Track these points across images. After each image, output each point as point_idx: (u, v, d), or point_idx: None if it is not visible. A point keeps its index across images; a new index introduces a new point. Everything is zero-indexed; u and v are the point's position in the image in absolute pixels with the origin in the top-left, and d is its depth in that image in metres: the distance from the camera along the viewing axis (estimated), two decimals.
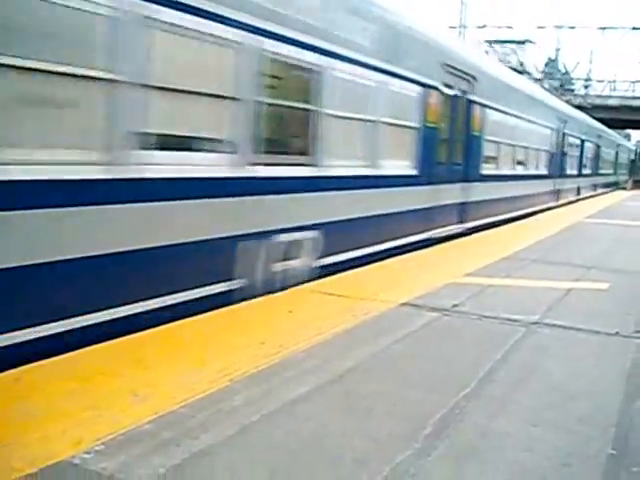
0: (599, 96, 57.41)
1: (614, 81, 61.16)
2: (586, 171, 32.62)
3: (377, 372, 4.63)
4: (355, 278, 7.90)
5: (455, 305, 6.66)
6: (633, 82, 60.29)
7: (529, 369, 4.91)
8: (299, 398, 4.07)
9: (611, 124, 50.32)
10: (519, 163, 18.54)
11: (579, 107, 42.58)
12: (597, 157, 37.19)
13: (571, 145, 26.68)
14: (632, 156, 62.03)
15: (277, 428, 3.65)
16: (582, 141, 30.00)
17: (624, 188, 49.70)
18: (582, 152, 30.27)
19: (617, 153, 53.42)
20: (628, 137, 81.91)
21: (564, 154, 25.11)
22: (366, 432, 3.66)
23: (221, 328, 5.43)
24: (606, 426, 3.96)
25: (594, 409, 4.22)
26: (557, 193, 24.51)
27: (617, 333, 6.03)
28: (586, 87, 61.40)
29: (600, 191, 38.73)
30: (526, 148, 18.86)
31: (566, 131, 25.06)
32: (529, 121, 18.85)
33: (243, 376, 4.36)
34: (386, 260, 9.24)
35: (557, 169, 23.86)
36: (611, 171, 49.27)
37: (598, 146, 37.23)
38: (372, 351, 5.06)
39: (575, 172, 28.82)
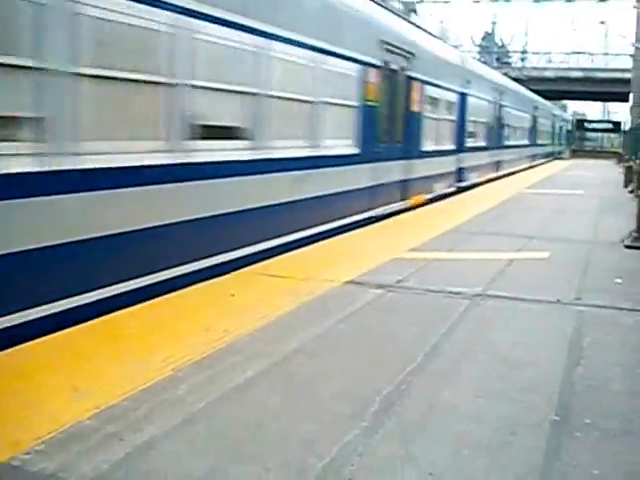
0: (535, 68, 58.25)
1: (549, 53, 62.40)
2: (524, 142, 33.26)
3: (322, 353, 4.60)
4: (299, 258, 7.85)
5: (399, 281, 6.68)
6: (568, 54, 61.51)
7: (473, 341, 4.95)
8: (244, 383, 4.01)
9: (548, 96, 51.10)
10: (512, 137, 23.38)
11: (516, 79, 43.07)
12: (534, 128, 37.81)
13: (508, 117, 27.02)
14: (569, 126, 63.12)
15: (222, 415, 3.60)
16: (519, 112, 30.57)
17: (562, 158, 50.70)
18: (519, 124, 30.91)
19: (554, 124, 54.38)
20: (564, 108, 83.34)
21: (502, 126, 25.51)
22: (313, 414, 3.63)
23: (164, 316, 5.33)
24: (549, 393, 4.00)
25: (538, 377, 4.27)
26: (497, 164, 25.02)
27: (558, 301, 6.12)
28: (523, 60, 62.27)
29: (540, 161, 39.40)
30: (466, 122, 19.03)
31: (503, 103, 25.37)
32: (468, 95, 19.04)
33: (187, 364, 4.28)
34: (331, 238, 9.20)
35: (496, 141, 24.28)
36: (549, 141, 50.11)
37: (535, 117, 37.84)
38: (317, 332, 5.03)
39: (514, 143, 29.40)
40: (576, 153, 56.66)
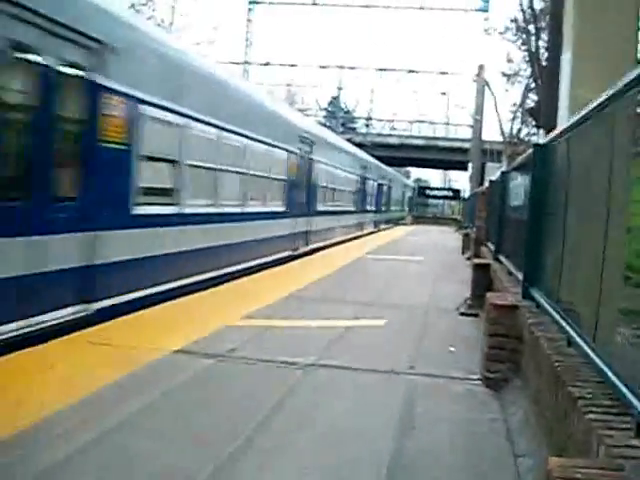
0: (380, 134, 60.76)
1: (393, 121, 65.09)
2: (382, 208, 39.21)
3: (143, 429, 4.43)
4: (131, 323, 7.60)
5: (232, 350, 6.59)
6: (411, 122, 64.58)
7: (304, 414, 4.92)
8: (55, 466, 3.78)
9: (391, 162, 53.21)
10: (341, 200, 26.56)
11: (360, 145, 44.66)
12: (389, 196, 40.81)
13: (370, 186, 34.73)
14: (411, 193, 65.84)
15: None
16: (379, 184, 37.94)
17: (405, 224, 52.65)
18: (379, 192, 37.78)
19: (404, 192, 56.89)
20: (408, 174, 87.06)
21: (365, 194, 32.98)
22: None
23: None
24: (378, 466, 4.02)
25: (368, 450, 4.29)
26: (361, 225, 32.44)
27: (392, 370, 6.23)
28: (367, 126, 64.71)
29: (382, 227, 40.88)
30: (343, 191, 26.90)
31: (367, 175, 33.13)
32: (345, 170, 27.03)
33: None
34: (166, 303, 9.02)
35: (360, 206, 31.61)
36: (399, 207, 52.25)
37: (390, 187, 40.40)
38: (139, 406, 4.84)
39: (374, 208, 36.37)
40: (418, 219, 59.04)
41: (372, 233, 33.74)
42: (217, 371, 5.94)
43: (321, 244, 21.81)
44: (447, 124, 65.06)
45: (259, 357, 6.37)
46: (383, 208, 42.72)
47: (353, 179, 30.37)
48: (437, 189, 73.30)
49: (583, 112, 4.38)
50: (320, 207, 22.41)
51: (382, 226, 40.53)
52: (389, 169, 48.30)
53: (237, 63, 49.06)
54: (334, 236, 25.00)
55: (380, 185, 40.48)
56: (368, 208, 35.45)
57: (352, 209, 30.29)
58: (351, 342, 7.39)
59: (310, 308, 9.36)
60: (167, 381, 5.48)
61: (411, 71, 47.64)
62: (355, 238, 28.45)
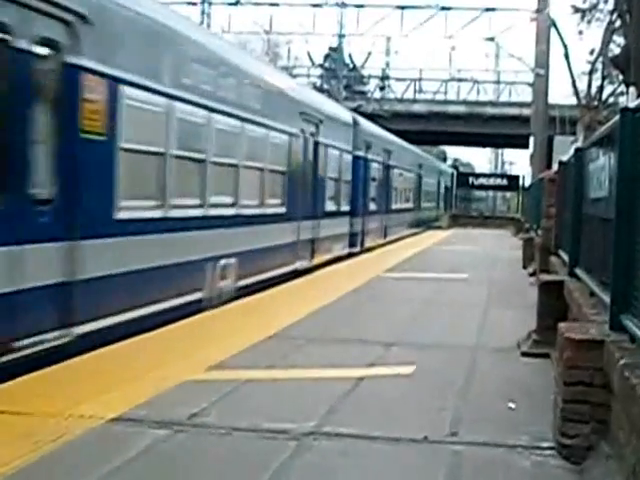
0: (401, 100, 60.83)
1: (419, 80, 64.89)
2: (411, 205, 40.72)
3: None
4: (50, 378, 7.58)
5: (194, 415, 6.56)
6: (445, 81, 64.50)
7: None
8: None
9: (418, 139, 53.30)
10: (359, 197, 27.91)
11: (374, 116, 44.69)
12: (419, 189, 42.80)
13: (397, 176, 36.30)
14: (448, 182, 65.52)
15: None
16: (407, 172, 39.94)
17: (439, 227, 52.54)
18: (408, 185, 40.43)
19: (439, 182, 56.81)
20: (444, 156, 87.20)
21: (389, 188, 34.64)
22: None
23: None
24: None
25: None
26: (381, 230, 33.02)
27: (425, 438, 6.19)
28: (382, 89, 64.78)
29: (415, 229, 41.33)
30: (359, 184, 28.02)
31: (390, 163, 34.10)
32: (368, 159, 29.45)
33: None
34: (112, 345, 9.06)
35: (382, 205, 32.90)
36: (433, 204, 52.38)
37: (420, 176, 40.87)
38: None
39: (399, 206, 37.82)
40: (458, 219, 59.01)
41: (395, 241, 33.77)
42: (174, 447, 5.91)
43: (329, 256, 22.71)
44: (497, 83, 65.25)
45: (233, 424, 6.33)
46: (411, 206, 42.80)
47: (375, 167, 31.27)
48: (485, 176, 73.43)
49: None
50: (330, 207, 23.62)
51: (408, 231, 40.58)
52: (418, 151, 48.37)
53: (193, 3, 48.95)
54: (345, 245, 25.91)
55: (410, 175, 40.69)
56: (393, 207, 35.81)
57: (372, 209, 30.90)
58: (366, 400, 7.36)
59: (307, 352, 9.34)
60: (101, 463, 5.45)
61: (444, 8, 47.36)
62: (377, 247, 29.06)
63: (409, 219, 43.00)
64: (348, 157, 26.22)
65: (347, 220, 26.33)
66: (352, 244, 26.68)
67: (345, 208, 26.02)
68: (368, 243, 29.07)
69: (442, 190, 61.45)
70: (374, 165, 31.01)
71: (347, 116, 27.48)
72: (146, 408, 6.73)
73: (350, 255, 25.13)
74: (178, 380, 7.68)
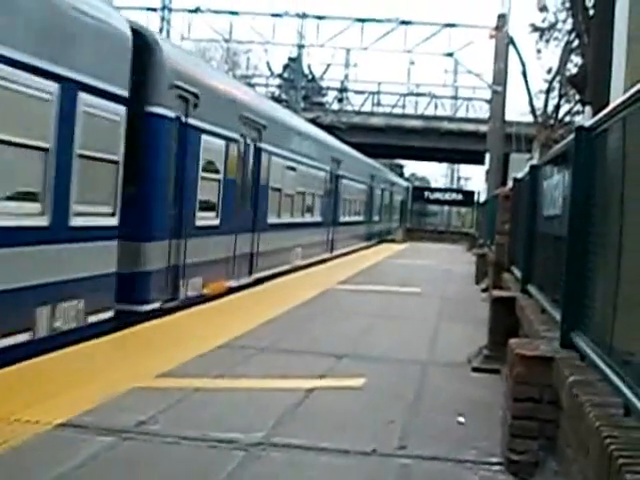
0: (359, 113, 60.94)
1: (377, 93, 65.05)
2: (363, 218, 39.71)
3: None
4: None
5: (142, 422, 6.53)
6: (403, 95, 64.67)
7: None
8: None
9: (375, 152, 53.41)
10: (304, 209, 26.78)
11: (331, 127, 44.79)
12: (371, 201, 42.63)
13: (347, 187, 35.37)
14: (403, 196, 65.71)
15: None
16: (359, 183, 39.32)
17: (393, 240, 52.66)
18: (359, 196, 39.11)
19: (391, 195, 56.81)
20: (400, 170, 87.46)
21: (337, 199, 33.52)
22: None
23: None
24: None
25: None
26: (329, 243, 32.78)
27: (374, 451, 6.20)
28: (340, 100, 64.89)
29: (366, 243, 41.23)
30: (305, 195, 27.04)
31: (341, 172, 33.61)
32: (311, 165, 27.65)
33: None
34: (58, 351, 8.99)
35: (329, 216, 31.80)
36: (386, 217, 52.39)
37: (371, 188, 40.98)
38: None
39: (350, 219, 37.24)
40: (413, 234, 59.16)
41: (346, 254, 33.74)
42: (121, 454, 5.88)
43: (273, 271, 21.69)
44: (455, 98, 65.53)
45: (181, 433, 6.31)
46: (363, 218, 42.71)
47: (321, 177, 30.50)
48: (441, 190, 73.88)
49: None
50: (271, 219, 22.32)
51: (359, 244, 40.60)
52: (373, 162, 48.33)
53: (153, 9, 48.88)
54: (291, 260, 24.97)
55: (361, 186, 40.58)
56: (342, 219, 35.54)
57: (318, 220, 30.30)
58: (315, 411, 7.36)
59: (257, 362, 9.33)
60: (46, 470, 5.41)
61: (404, 22, 47.52)
62: (321, 262, 28.59)
63: (360, 232, 42.90)
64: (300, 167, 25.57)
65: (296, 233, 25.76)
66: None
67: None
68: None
69: (397, 204, 61.68)
70: (320, 174, 30.09)
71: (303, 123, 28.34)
72: (93, 414, 6.68)
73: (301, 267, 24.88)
74: (126, 387, 7.64)
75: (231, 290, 17.29)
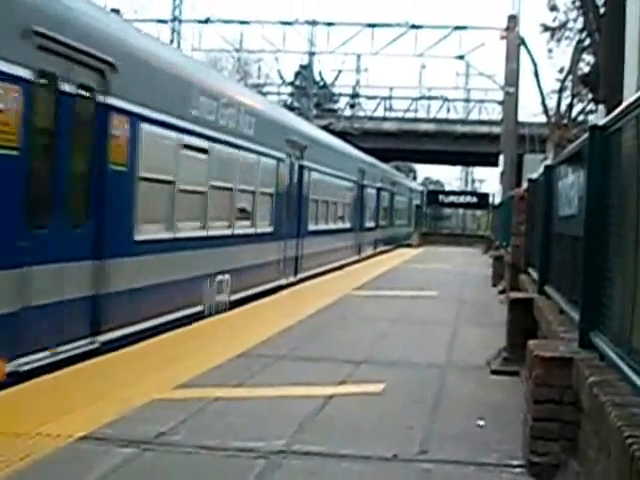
0: (371, 118, 60.94)
1: (389, 98, 65.05)
2: (381, 223, 40.87)
3: None
4: (13, 397, 7.52)
5: (162, 434, 6.54)
6: (415, 99, 64.69)
7: None
8: None
9: (388, 156, 53.40)
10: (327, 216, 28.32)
11: (344, 134, 44.76)
12: (391, 206, 43.67)
13: (365, 194, 36.32)
14: (418, 200, 65.64)
15: None
16: (378, 189, 40.05)
17: (410, 244, 52.61)
18: (378, 202, 40.32)
19: (410, 200, 56.98)
20: (413, 174, 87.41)
21: (356, 205, 34.39)
22: None
23: None
24: None
25: None
26: (349, 249, 33.31)
27: (395, 457, 6.19)
28: (352, 106, 64.87)
29: (384, 247, 41.31)
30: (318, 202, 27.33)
31: (365, 182, 35.19)
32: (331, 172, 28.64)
33: None
34: (78, 364, 9.04)
35: (350, 222, 33.11)
36: (404, 222, 52.40)
37: (392, 194, 40.98)
38: None
39: (369, 224, 38.17)
40: (428, 237, 59.11)
41: (361, 260, 33.77)
42: (141, 465, 5.89)
43: (314, 271, 24.34)
44: (467, 101, 65.48)
45: (201, 443, 6.32)
46: (382, 223, 42.81)
47: (349, 187, 32.61)
48: (455, 194, 73.67)
49: None
50: (311, 226, 25.51)
51: (381, 248, 40.76)
52: (393, 170, 48.52)
53: (163, 21, 48.99)
54: (327, 262, 26.97)
55: (379, 191, 40.63)
56: (367, 225, 36.77)
57: (348, 226, 32.38)
58: (335, 417, 7.35)
59: (276, 370, 9.32)
60: None
61: (414, 26, 47.52)
62: (351, 263, 29.75)
63: (383, 236, 43.16)
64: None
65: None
66: None
67: None
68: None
69: (412, 208, 61.65)
70: (348, 185, 32.21)
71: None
72: (115, 426, 6.70)
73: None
74: (145, 399, 7.64)
75: (280, 287, 19.91)
